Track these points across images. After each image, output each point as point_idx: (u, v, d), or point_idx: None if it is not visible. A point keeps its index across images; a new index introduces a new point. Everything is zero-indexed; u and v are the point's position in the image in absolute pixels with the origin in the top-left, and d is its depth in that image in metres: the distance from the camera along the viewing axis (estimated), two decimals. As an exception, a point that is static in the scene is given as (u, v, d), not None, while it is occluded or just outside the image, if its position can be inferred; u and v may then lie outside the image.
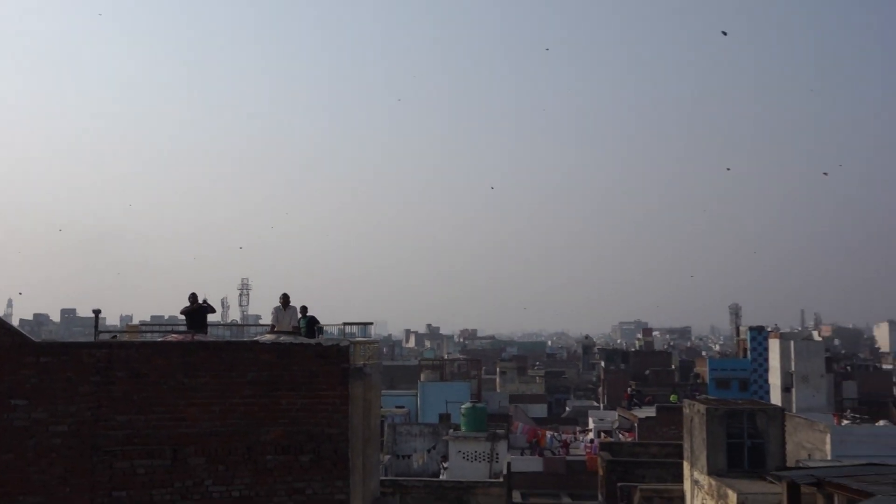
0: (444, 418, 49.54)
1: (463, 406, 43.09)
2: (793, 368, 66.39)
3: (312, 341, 15.44)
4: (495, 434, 39.12)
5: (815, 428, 35.45)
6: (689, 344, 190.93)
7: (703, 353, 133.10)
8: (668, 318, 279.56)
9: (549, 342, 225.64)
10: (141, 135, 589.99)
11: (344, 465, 13.28)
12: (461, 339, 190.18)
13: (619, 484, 30.96)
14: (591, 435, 53.72)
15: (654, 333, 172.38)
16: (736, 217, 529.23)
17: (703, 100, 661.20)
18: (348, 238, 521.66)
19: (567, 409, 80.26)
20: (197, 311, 18.02)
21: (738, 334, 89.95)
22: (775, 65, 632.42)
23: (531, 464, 44.58)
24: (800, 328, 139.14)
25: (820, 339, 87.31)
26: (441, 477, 37.99)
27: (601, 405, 77.19)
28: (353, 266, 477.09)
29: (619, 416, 57.31)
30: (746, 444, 24.08)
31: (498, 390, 79.57)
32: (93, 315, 18.04)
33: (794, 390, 65.69)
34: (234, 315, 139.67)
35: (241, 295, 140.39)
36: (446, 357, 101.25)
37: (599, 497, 35.29)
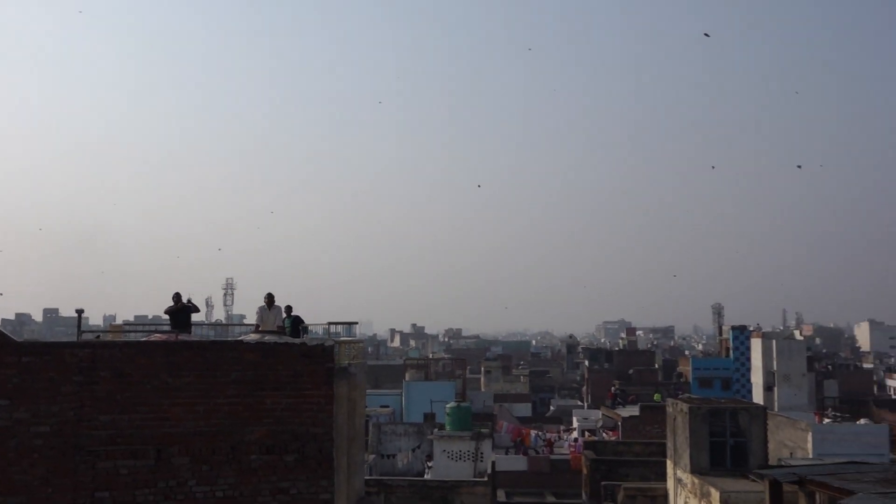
0: (429, 418, 49.56)
1: (447, 405, 43.13)
2: (775, 367, 66.89)
3: (297, 341, 15.42)
4: (480, 433, 39.20)
5: (797, 426, 35.73)
6: (672, 343, 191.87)
7: (687, 353, 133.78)
8: (651, 317, 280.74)
9: (534, 341, 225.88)
10: (126, 134, 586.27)
11: (328, 464, 13.26)
12: (446, 339, 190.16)
13: (602, 483, 31.08)
14: (575, 434, 53.87)
15: (638, 333, 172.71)
16: (719, 218, 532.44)
17: (687, 101, 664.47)
18: (333, 238, 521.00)
19: (551, 408, 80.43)
20: (181, 310, 17.96)
21: (720, 334, 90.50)
22: (761, 66, 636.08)
23: (515, 463, 44.68)
24: (782, 328, 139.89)
25: (801, 338, 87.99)
26: (426, 476, 38.03)
27: (585, 404, 77.42)
28: (338, 265, 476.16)
29: (602, 415, 57.52)
30: (729, 443, 24.24)
31: (482, 390, 79.63)
32: (76, 315, 17.94)
33: (776, 389, 66.19)
34: (219, 315, 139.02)
35: (225, 294, 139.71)
36: (431, 356, 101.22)
37: (583, 496, 35.41)
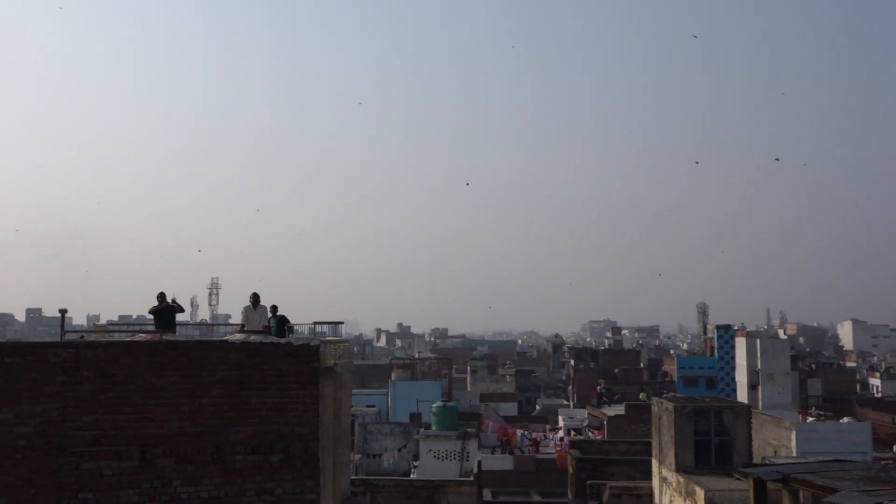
0: (415, 417, 49.56)
1: (434, 405, 43.17)
2: (759, 366, 67.31)
3: (282, 340, 15.38)
4: (466, 433, 39.25)
5: (781, 425, 35.97)
6: (657, 342, 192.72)
7: (672, 352, 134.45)
8: (636, 317, 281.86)
9: (520, 341, 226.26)
10: (110, 134, 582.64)
11: (314, 464, 13.23)
12: (432, 338, 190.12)
13: (588, 481, 31.14)
14: (560, 433, 53.99)
15: (623, 332, 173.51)
16: (704, 218, 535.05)
17: (668, 98, 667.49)
18: (319, 237, 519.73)
19: (537, 407, 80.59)
20: (165, 310, 17.89)
21: (705, 333, 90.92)
22: (749, 65, 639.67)
23: (501, 462, 44.73)
24: (766, 327, 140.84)
25: (785, 337, 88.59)
26: (412, 476, 38.02)
27: (571, 403, 77.58)
28: (324, 265, 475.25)
29: (588, 414, 57.67)
30: (714, 442, 24.36)
31: (469, 389, 79.71)
32: (59, 315, 17.83)
33: (760, 388, 66.61)
34: (204, 314, 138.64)
35: (210, 294, 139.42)
36: (417, 356, 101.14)
37: (569, 495, 35.48)
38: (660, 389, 63.24)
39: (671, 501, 24.25)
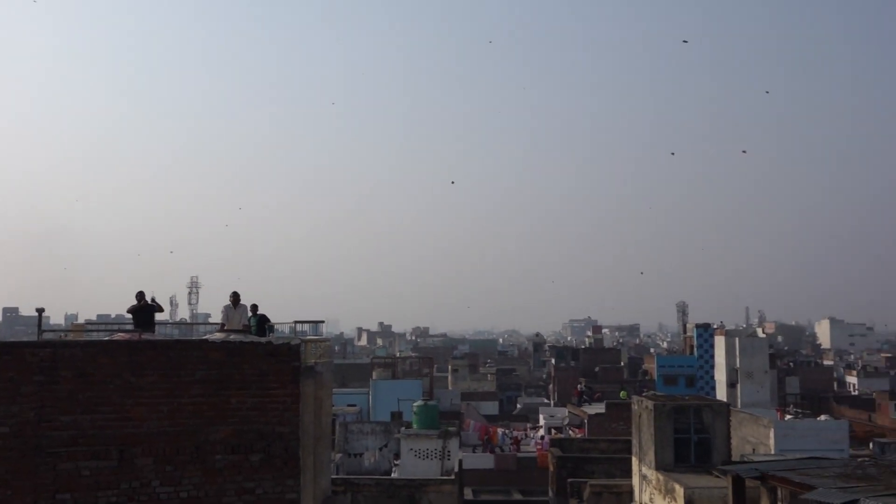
0: (396, 416, 49.53)
1: (415, 404, 43.15)
2: (738, 365, 67.83)
3: (263, 340, 15.32)
4: (447, 432, 39.26)
5: (760, 423, 36.26)
6: (637, 341, 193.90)
7: (652, 351, 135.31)
8: (617, 315, 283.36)
9: (501, 340, 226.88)
10: (88, 131, 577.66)
11: (295, 463, 13.20)
12: (413, 337, 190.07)
13: (569, 479, 31.22)
14: (541, 431, 54.19)
15: (604, 331, 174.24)
16: (683, 217, 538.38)
17: (650, 95, 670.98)
18: (299, 236, 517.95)
19: (518, 406, 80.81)
20: (144, 309, 17.76)
21: (685, 332, 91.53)
22: (736, 60, 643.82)
23: (482, 461, 44.80)
24: (745, 325, 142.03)
25: (764, 336, 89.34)
26: (393, 475, 37.98)
27: (552, 402, 77.84)
28: (305, 264, 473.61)
29: (569, 412, 57.88)
30: (693, 440, 24.50)
31: (450, 388, 79.76)
32: (36, 314, 17.67)
33: (738, 386, 67.11)
34: (184, 314, 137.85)
35: (190, 293, 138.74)
36: (398, 355, 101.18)
37: (550, 493, 35.58)
38: (640, 388, 63.59)
39: (651, 499, 24.39)
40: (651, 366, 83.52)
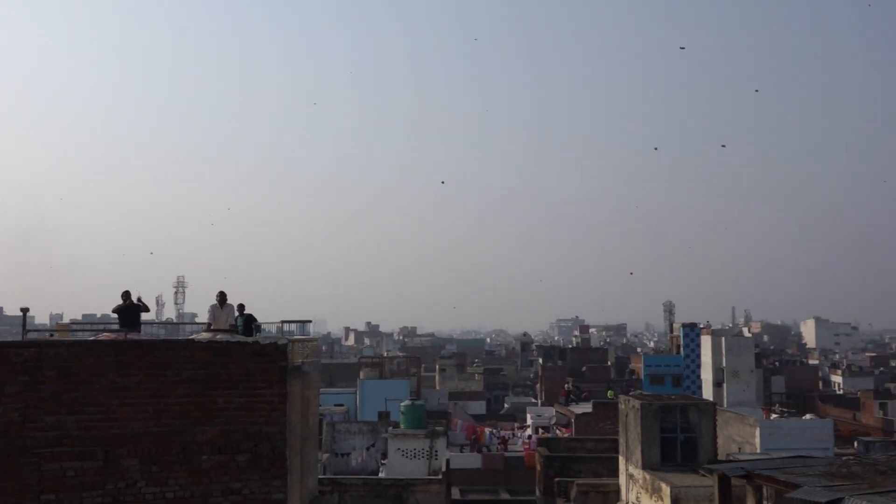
0: (384, 416, 49.49)
1: (402, 403, 43.14)
2: (724, 364, 68.14)
3: (250, 339, 15.27)
4: (434, 431, 39.28)
5: (745, 422, 36.45)
6: (624, 341, 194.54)
7: (639, 350, 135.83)
8: (604, 315, 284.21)
9: (488, 339, 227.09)
10: (73, 127, 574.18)
11: (282, 464, 13.16)
12: (401, 337, 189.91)
13: (556, 479, 31.30)
14: (529, 431, 54.23)
15: (591, 330, 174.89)
16: (670, 217, 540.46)
17: (632, 93, 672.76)
18: (287, 236, 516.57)
19: (505, 405, 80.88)
20: (129, 308, 17.67)
21: (671, 331, 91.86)
22: (726, 60, 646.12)
23: (470, 460, 44.82)
24: (731, 325, 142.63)
25: (750, 335, 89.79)
26: (380, 474, 37.96)
27: (539, 401, 77.96)
28: (292, 263, 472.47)
29: (556, 412, 57.98)
30: (679, 439, 24.59)
31: (437, 388, 79.76)
32: (21, 313, 17.54)
33: (725, 385, 67.43)
34: (170, 313, 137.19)
35: (176, 293, 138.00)
36: (386, 355, 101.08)
37: (537, 492, 35.64)
38: (627, 387, 63.83)
39: (638, 498, 24.47)
40: (638, 365, 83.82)
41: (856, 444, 46.19)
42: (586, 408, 51.20)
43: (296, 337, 20.65)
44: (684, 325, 77.58)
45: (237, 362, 13.11)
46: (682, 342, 74.93)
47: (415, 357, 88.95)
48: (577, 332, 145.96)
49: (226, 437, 12.87)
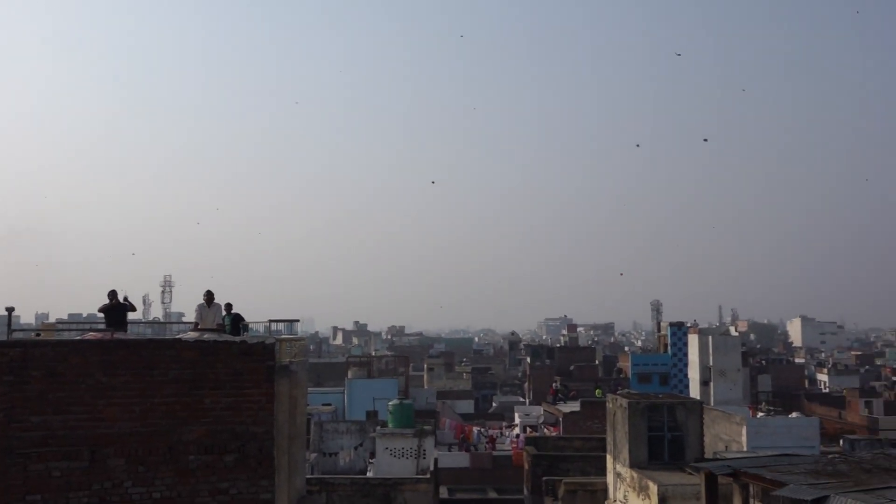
0: (372, 415, 49.44)
1: (390, 403, 43.05)
2: (711, 363, 68.42)
3: (237, 339, 15.22)
4: (422, 430, 39.24)
5: (732, 420, 36.64)
6: (612, 340, 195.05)
7: (626, 349, 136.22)
8: (592, 314, 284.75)
9: (476, 339, 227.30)
10: (60, 125, 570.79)
11: (269, 463, 13.13)
12: (389, 336, 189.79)
13: (544, 478, 31.36)
14: (517, 430, 54.29)
15: (579, 329, 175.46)
16: (657, 215, 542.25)
17: (617, 92, 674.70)
18: (274, 234, 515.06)
19: (493, 404, 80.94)
20: (116, 308, 17.59)
21: (659, 330, 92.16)
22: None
23: (458, 459, 44.83)
24: (718, 324, 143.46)
25: (736, 334, 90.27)
26: (368, 474, 37.91)
27: (527, 400, 78.08)
28: (280, 263, 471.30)
29: (544, 410, 58.06)
30: (667, 437, 24.67)
31: (425, 387, 79.72)
32: (5, 313, 17.42)
33: (711, 384, 67.71)
34: (157, 313, 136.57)
35: (163, 292, 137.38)
36: (374, 354, 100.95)
37: (525, 491, 35.70)
38: (614, 386, 63.93)
39: (625, 496, 24.54)
40: (625, 364, 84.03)
41: (841, 442, 46.48)
42: (574, 407, 51.31)
43: (283, 336, 20.61)
44: (672, 324, 77.86)
45: (224, 362, 13.06)
46: (669, 341, 75.19)
47: (403, 356, 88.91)
48: (564, 331, 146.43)
49: (213, 437, 12.82)
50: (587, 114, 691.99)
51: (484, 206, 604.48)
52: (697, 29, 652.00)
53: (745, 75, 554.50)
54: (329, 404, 56.48)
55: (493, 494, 42.07)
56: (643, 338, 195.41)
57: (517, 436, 50.09)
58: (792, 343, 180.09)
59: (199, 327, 17.60)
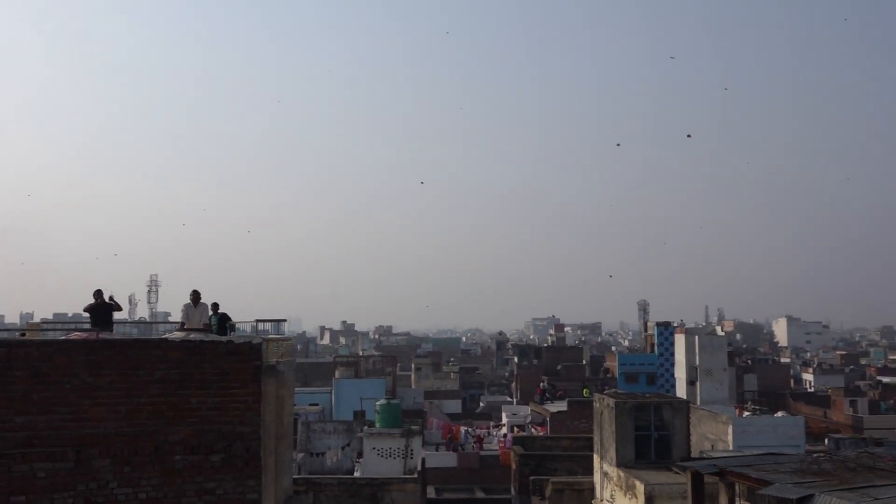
0: (359, 415, 49.37)
1: (377, 403, 43.01)
2: (697, 362, 68.73)
3: (224, 338, 15.17)
4: (410, 430, 39.23)
5: (718, 420, 36.85)
6: (599, 339, 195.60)
7: (613, 349, 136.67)
8: (579, 314, 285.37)
9: (464, 338, 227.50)
10: (46, 122, 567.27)
11: (256, 463, 13.09)
12: (376, 336, 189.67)
13: (531, 477, 31.41)
14: (504, 430, 54.33)
15: (566, 329, 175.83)
16: (644, 216, 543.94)
17: (606, 93, 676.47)
18: (262, 234, 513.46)
19: (481, 404, 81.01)
20: (101, 307, 17.50)
21: (645, 330, 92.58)
22: (699, 61, 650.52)
23: (445, 459, 44.83)
24: (704, 324, 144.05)
25: (723, 334, 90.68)
26: (355, 474, 37.86)
27: (514, 400, 78.17)
28: (266, 262, 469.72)
29: (531, 410, 58.14)
30: (653, 437, 24.78)
31: (413, 387, 79.70)
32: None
33: (698, 383, 68.00)
34: (143, 312, 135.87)
35: (149, 292, 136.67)
36: (361, 354, 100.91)
37: (512, 490, 35.74)
38: (601, 386, 64.08)
39: (612, 496, 24.61)
40: (613, 364, 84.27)
41: (826, 441, 46.79)
42: (561, 406, 51.42)
43: (270, 336, 20.53)
44: (658, 324, 78.16)
45: (211, 362, 13.02)
46: (656, 341, 75.48)
47: (390, 356, 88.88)
48: (552, 331, 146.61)
49: (199, 437, 12.77)
50: (581, 114, 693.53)
51: (472, 207, 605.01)
52: (694, 29, 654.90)
53: (742, 77, 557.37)
54: (316, 404, 56.40)
55: (480, 494, 42.10)
56: (630, 338, 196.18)
57: (504, 435, 50.14)
58: (778, 343, 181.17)
59: (185, 327, 17.54)
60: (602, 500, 25.70)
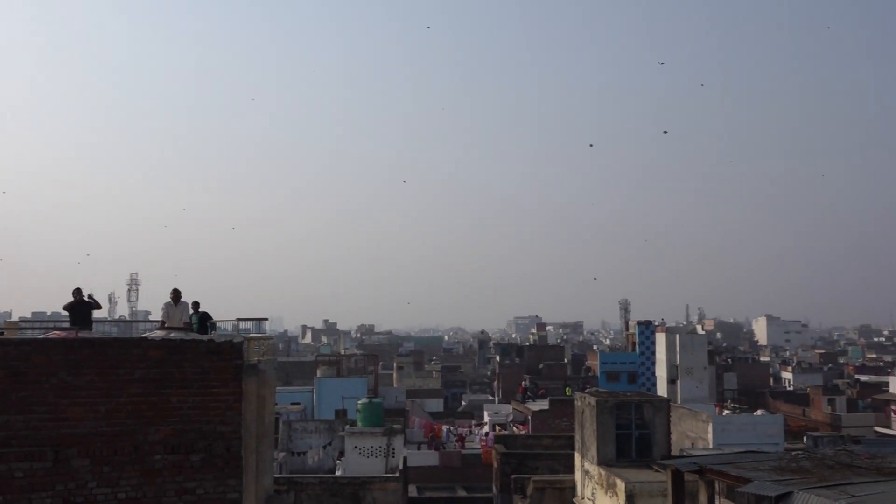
0: (341, 414, 49.22)
1: (359, 401, 42.89)
2: (678, 361, 69.18)
3: (204, 337, 15.08)
4: (392, 429, 39.12)
5: (699, 418, 37.06)
6: (581, 338, 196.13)
7: (595, 347, 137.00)
8: (561, 313, 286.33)
9: (446, 337, 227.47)
10: (30, 120, 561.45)
11: (237, 463, 13.02)
12: (358, 335, 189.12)
13: (513, 476, 31.47)
14: (486, 428, 54.43)
15: (548, 328, 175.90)
16: (625, 216, 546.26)
17: (597, 94, 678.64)
18: (243, 233, 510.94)
19: (463, 403, 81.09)
20: (80, 306, 17.36)
21: (627, 329, 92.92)
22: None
23: (427, 458, 44.86)
24: (685, 323, 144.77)
25: (703, 333, 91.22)
26: (337, 473, 37.76)
27: (496, 399, 78.32)
28: (248, 261, 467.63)
29: (513, 409, 58.28)
30: (634, 435, 24.90)
31: (395, 385, 79.70)
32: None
33: (679, 382, 68.44)
34: (123, 311, 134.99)
35: (129, 290, 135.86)
36: (343, 352, 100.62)
37: (494, 489, 35.82)
38: (583, 384, 64.41)
39: (593, 494, 24.71)
40: (594, 362, 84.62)
41: (805, 439, 47.14)
42: (543, 405, 51.56)
43: (252, 335, 20.46)
44: (640, 323, 78.57)
45: (191, 361, 12.93)
46: (637, 339, 75.87)
47: (372, 355, 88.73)
48: (534, 330, 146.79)
49: (180, 437, 12.68)
50: (576, 114, 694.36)
51: (455, 208, 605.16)
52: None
53: (733, 77, 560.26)
54: (298, 403, 56.20)
55: (462, 493, 42.16)
56: (612, 336, 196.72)
57: (486, 434, 50.24)
58: (757, 342, 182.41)
59: (165, 326, 17.43)
60: (583, 499, 25.79)
